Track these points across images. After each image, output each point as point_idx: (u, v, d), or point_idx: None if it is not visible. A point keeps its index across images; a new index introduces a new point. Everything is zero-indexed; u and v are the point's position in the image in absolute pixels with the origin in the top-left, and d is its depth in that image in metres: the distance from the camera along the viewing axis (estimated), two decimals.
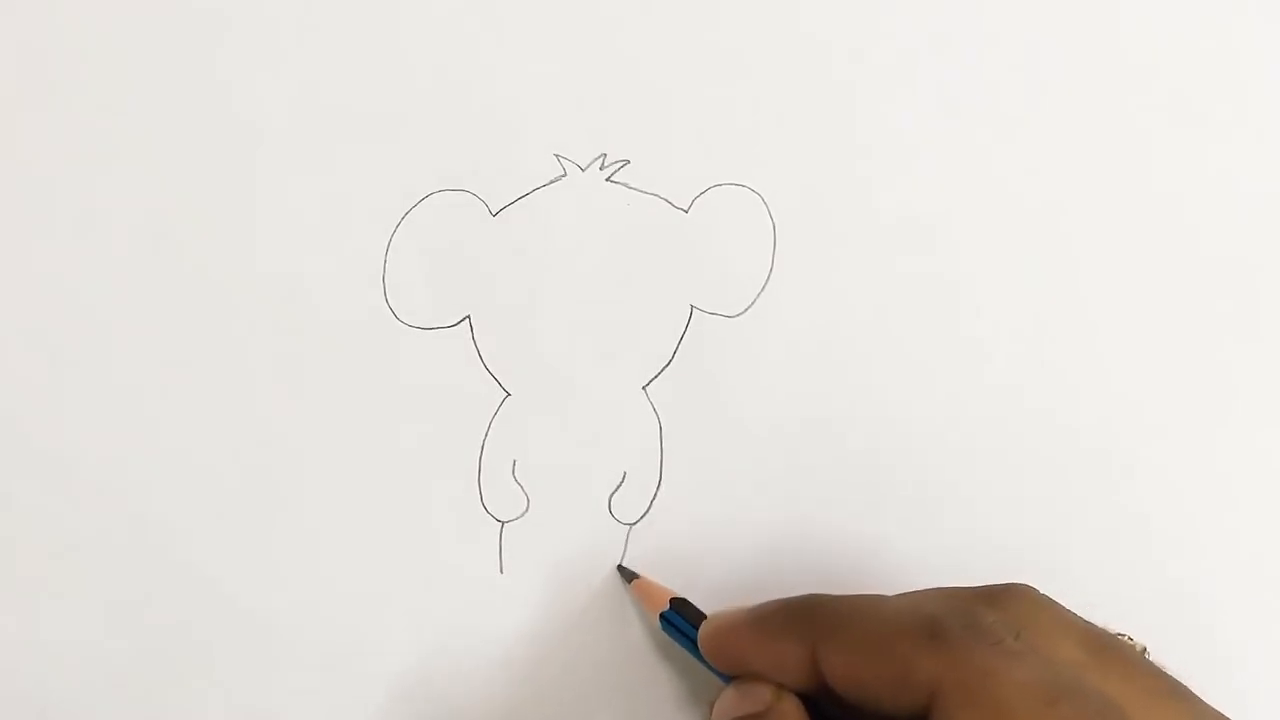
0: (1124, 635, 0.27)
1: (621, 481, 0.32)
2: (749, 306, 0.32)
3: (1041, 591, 0.26)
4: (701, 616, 0.29)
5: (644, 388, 0.32)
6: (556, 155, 0.32)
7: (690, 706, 0.32)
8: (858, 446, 0.33)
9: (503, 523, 0.31)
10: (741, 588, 0.32)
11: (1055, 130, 0.34)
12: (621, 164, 0.32)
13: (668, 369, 0.32)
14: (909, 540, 0.32)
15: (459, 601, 0.31)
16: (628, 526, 0.32)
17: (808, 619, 0.26)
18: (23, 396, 0.30)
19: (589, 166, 0.32)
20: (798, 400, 0.32)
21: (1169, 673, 0.25)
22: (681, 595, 0.30)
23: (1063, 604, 0.26)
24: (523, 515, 0.31)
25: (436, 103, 0.31)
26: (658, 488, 0.32)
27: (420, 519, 0.31)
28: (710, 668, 0.28)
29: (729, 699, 0.27)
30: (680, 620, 0.29)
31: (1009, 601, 0.25)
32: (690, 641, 0.28)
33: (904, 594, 0.27)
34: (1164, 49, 0.34)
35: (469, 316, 0.31)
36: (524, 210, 0.32)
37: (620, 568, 0.31)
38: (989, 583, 0.26)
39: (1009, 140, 0.33)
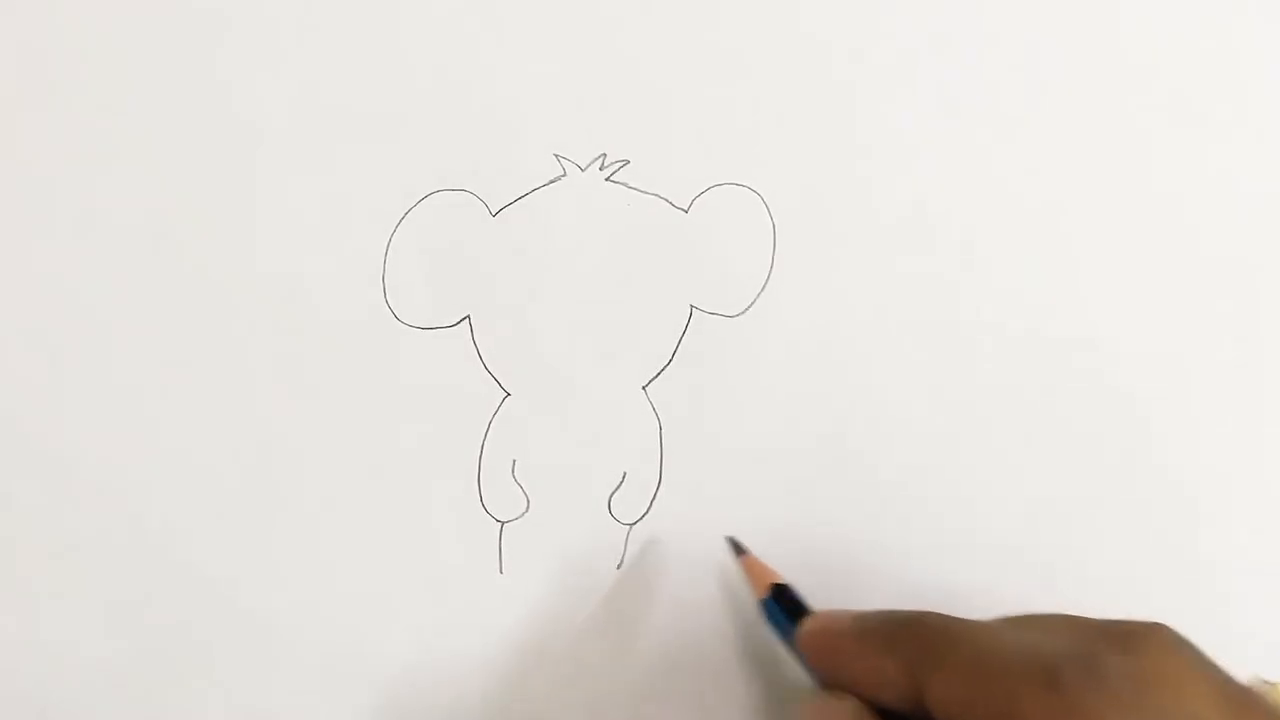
0: (1269, 683, 0.25)
1: (621, 481, 0.32)
2: (749, 306, 0.32)
3: (1179, 633, 0.24)
4: (802, 608, 0.28)
5: (644, 388, 0.32)
6: (556, 155, 0.32)
7: (690, 708, 0.32)
8: (857, 446, 0.33)
9: (503, 523, 0.31)
10: (741, 588, 0.32)
11: (1055, 130, 0.34)
12: (621, 164, 0.32)
13: (668, 369, 0.32)
14: (909, 539, 0.32)
15: (459, 601, 0.31)
16: (628, 526, 0.32)
17: (916, 639, 0.25)
18: (23, 396, 0.30)
19: (589, 166, 0.32)
20: (797, 400, 0.32)
21: None
22: (785, 581, 0.29)
23: (1202, 651, 0.24)
24: (523, 515, 0.31)
25: (436, 103, 0.31)
26: (658, 488, 0.32)
27: (420, 519, 0.31)
28: (801, 662, 0.27)
29: (813, 710, 0.26)
30: (779, 611, 0.28)
31: (1139, 645, 0.23)
32: (786, 633, 0.28)
33: (1023, 620, 0.25)
34: (1164, 49, 0.34)
35: (469, 316, 0.31)
36: (524, 210, 0.32)
37: (729, 539, 0.30)
38: (1124, 618, 0.24)
39: (1009, 140, 0.33)
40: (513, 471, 0.31)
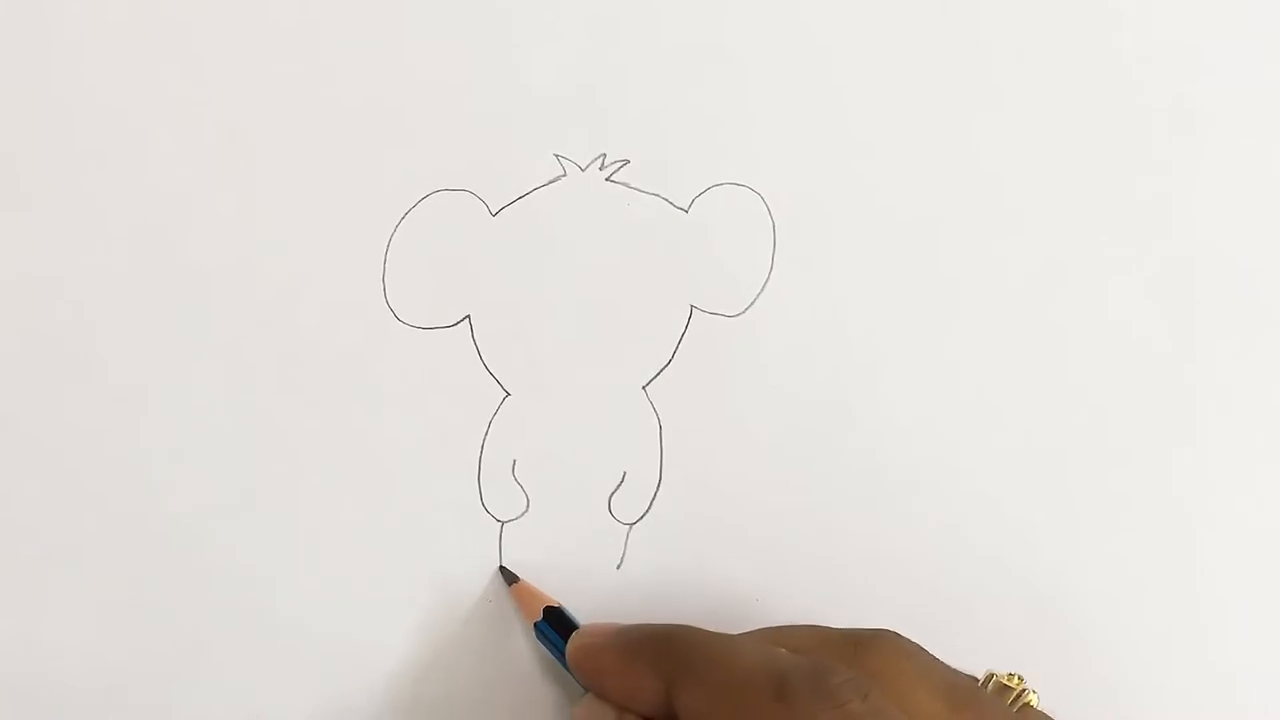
0: (1014, 676, 0.27)
1: (621, 481, 0.32)
2: (749, 306, 0.32)
3: (908, 639, 0.26)
4: (574, 627, 0.29)
5: (644, 388, 0.32)
6: (556, 155, 0.32)
7: None
8: (857, 446, 0.33)
9: (503, 523, 0.31)
10: (741, 587, 0.32)
11: (1055, 130, 0.34)
12: (621, 164, 0.32)
13: (668, 369, 0.32)
14: (909, 540, 0.33)
15: (459, 601, 0.31)
16: (628, 526, 0.32)
17: (667, 653, 0.26)
18: (23, 396, 0.30)
19: (589, 166, 0.32)
20: (797, 400, 0.32)
21: None
22: (557, 603, 0.30)
23: (929, 652, 0.26)
24: (523, 515, 0.31)
25: (436, 103, 0.31)
26: (658, 488, 0.32)
27: (420, 519, 0.31)
28: (575, 677, 0.28)
29: (578, 715, 0.28)
30: (551, 631, 0.29)
31: (868, 653, 0.25)
32: (560, 653, 0.29)
33: (772, 633, 0.27)
34: (1164, 49, 0.34)
35: (469, 316, 0.31)
36: (524, 210, 0.32)
37: (502, 569, 0.31)
38: (859, 626, 0.26)
39: (1008, 140, 0.33)
40: (513, 471, 0.31)
